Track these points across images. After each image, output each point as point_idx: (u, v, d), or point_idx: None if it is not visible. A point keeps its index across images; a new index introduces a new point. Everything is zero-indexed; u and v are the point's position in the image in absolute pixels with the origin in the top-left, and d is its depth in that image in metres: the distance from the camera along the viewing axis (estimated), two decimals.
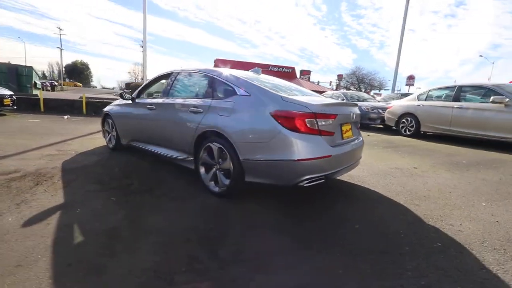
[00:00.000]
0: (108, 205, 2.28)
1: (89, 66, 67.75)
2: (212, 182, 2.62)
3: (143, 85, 3.81)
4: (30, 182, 2.68)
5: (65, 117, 7.91)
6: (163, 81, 3.79)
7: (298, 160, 2.10)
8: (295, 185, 2.17)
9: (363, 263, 1.62)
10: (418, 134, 7.03)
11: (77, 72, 62.05)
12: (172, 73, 3.35)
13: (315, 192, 2.71)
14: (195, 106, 2.73)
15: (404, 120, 7.33)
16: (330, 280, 1.47)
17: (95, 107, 9.35)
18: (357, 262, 1.63)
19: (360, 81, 40.41)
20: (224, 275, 1.47)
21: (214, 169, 2.60)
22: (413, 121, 7.03)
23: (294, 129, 2.11)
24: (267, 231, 1.98)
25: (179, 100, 3.01)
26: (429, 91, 6.98)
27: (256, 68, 3.16)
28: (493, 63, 41.68)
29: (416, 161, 4.25)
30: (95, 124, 7.21)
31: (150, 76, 12.85)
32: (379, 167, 3.82)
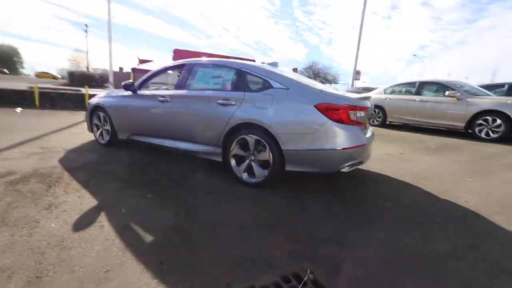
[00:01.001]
0: (149, 202, 2.16)
1: (18, 51, 56.27)
2: (246, 173, 2.66)
3: (146, 77, 3.54)
4: (39, 184, 2.35)
5: (18, 109, 6.77)
6: (170, 72, 3.60)
7: (343, 148, 2.29)
8: (337, 171, 2.36)
9: (411, 234, 1.89)
10: (384, 124, 7.88)
11: (3, 58, 51.23)
12: (185, 64, 3.21)
13: (339, 178, 2.95)
14: (225, 99, 2.69)
15: (372, 112, 8.13)
16: (395, 251, 1.69)
17: (50, 99, 8.16)
18: (405, 233, 1.89)
19: (316, 74, 42.61)
20: (321, 254, 1.58)
21: (248, 161, 2.64)
22: (381, 113, 7.85)
23: (339, 121, 2.28)
24: (321, 214, 2.12)
25: (202, 93, 2.92)
26: (394, 86, 7.86)
27: (273, 61, 3.22)
28: (423, 61, 47.91)
29: (398, 148, 4.84)
30: (59, 117, 6.38)
31: (97, 65, 11.72)
32: (373, 153, 4.26)
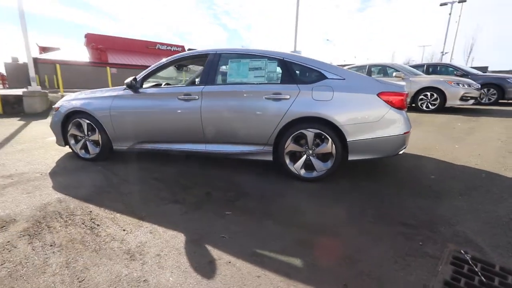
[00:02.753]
0: (239, 221, 1.85)
1: None
2: (303, 170, 2.55)
3: (147, 72, 2.88)
4: (73, 228, 1.72)
5: None
6: (175, 64, 3.03)
7: (404, 133, 2.43)
8: (396, 154, 2.51)
9: (483, 200, 2.20)
10: None
11: None
12: (208, 55, 2.75)
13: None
14: (276, 93, 2.46)
15: None
16: (495, 216, 1.95)
17: None
18: (478, 201, 2.20)
19: None
20: (451, 233, 1.67)
21: (305, 156, 2.53)
22: None
23: (399, 107, 2.39)
24: (405, 196, 2.23)
25: (244, 87, 2.58)
26: (348, 69, 8.65)
27: (296, 50, 3.07)
28: (334, 45, 53.89)
29: None
30: None
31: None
32: None
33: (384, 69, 7.92)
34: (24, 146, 3.77)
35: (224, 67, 2.76)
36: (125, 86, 2.90)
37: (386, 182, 2.57)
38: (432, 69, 9.04)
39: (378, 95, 2.36)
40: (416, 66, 9.39)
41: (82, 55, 21.79)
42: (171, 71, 3.67)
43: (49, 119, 6.47)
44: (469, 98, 6.54)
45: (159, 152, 2.93)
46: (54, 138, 3.30)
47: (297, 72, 2.55)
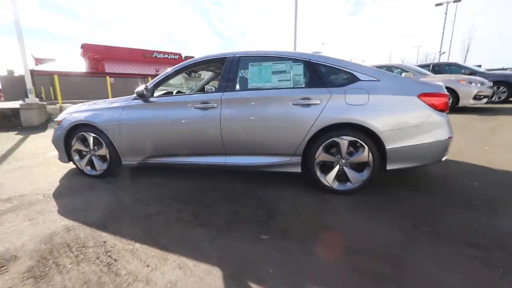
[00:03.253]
0: (276, 247, 1.59)
1: None
2: (336, 181, 2.31)
3: (158, 79, 2.64)
4: (86, 265, 1.45)
5: None
6: (188, 71, 2.79)
7: (448, 138, 2.19)
8: (439, 161, 2.27)
9: None
10: None
11: None
12: (225, 58, 2.52)
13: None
14: (305, 98, 2.22)
15: None
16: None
17: None
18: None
19: None
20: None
21: (338, 166, 2.28)
22: None
23: (441, 109, 2.16)
24: (450, 206, 1.99)
25: (268, 93, 2.34)
26: None
27: (317, 51, 2.86)
28: (333, 44, 54.25)
29: None
30: None
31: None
32: None
33: (390, 70, 7.75)
34: (23, 163, 3.49)
35: (244, 71, 2.52)
36: (134, 96, 2.65)
37: (426, 191, 2.34)
38: (438, 68, 8.90)
39: (418, 96, 2.14)
40: (422, 66, 9.25)
41: (78, 65, 21.57)
42: (177, 77, 3.45)
43: (48, 132, 6.20)
44: (482, 97, 6.36)
45: (172, 167, 2.67)
46: (55, 152, 3.03)
47: (326, 74, 2.32)
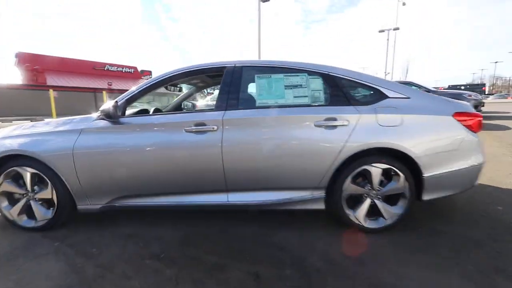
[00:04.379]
0: None
1: None
2: (367, 218, 1.91)
3: (132, 94, 1.98)
4: None
5: None
6: (171, 83, 2.19)
7: (484, 161, 1.97)
8: (472, 187, 2.03)
9: None
10: None
11: None
12: (223, 68, 1.99)
13: None
14: (331, 118, 1.81)
15: None
16: None
17: None
18: None
19: None
20: None
21: (369, 200, 1.89)
22: None
23: (476, 130, 1.94)
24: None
25: (283, 112, 1.87)
26: None
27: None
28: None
29: None
30: None
31: None
32: None
33: (412, 86, 8.16)
34: None
35: (248, 85, 2.03)
36: (97, 115, 1.95)
37: (459, 221, 2.07)
38: None
39: (453, 116, 1.89)
40: None
41: (11, 77, 18.62)
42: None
43: None
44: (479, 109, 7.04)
45: (152, 210, 2.00)
46: None
47: (349, 90, 1.95)
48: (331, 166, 1.83)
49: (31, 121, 9.39)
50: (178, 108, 3.20)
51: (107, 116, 1.86)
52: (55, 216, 1.97)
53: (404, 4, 26.49)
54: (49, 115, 8.90)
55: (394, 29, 26.14)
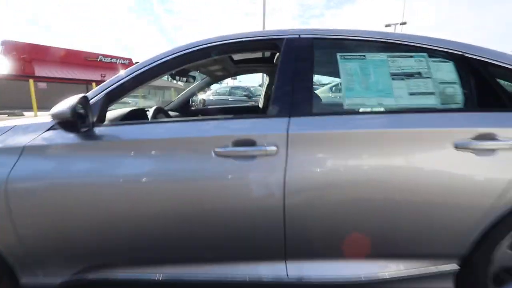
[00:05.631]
0: None
1: None
2: None
3: (112, 86, 1.10)
4: None
5: None
6: (186, 66, 1.32)
7: None
8: None
9: None
10: None
11: None
12: (279, 41, 1.13)
13: None
14: (485, 135, 0.98)
15: None
16: None
17: None
18: None
19: None
20: None
21: None
22: None
23: None
24: None
25: (398, 120, 1.03)
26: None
27: None
28: None
29: None
30: None
31: None
32: None
33: None
34: None
35: (322, 71, 1.19)
36: (50, 122, 1.09)
37: None
38: None
39: None
40: None
41: None
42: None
43: None
44: None
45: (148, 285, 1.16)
46: None
47: (503, 84, 1.12)
48: (481, 220, 1.01)
49: (8, 116, 8.38)
50: (186, 108, 2.34)
51: (65, 125, 1.00)
52: None
53: None
54: (31, 108, 7.92)
55: (401, 24, 25.32)
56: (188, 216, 1.06)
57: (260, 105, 2.64)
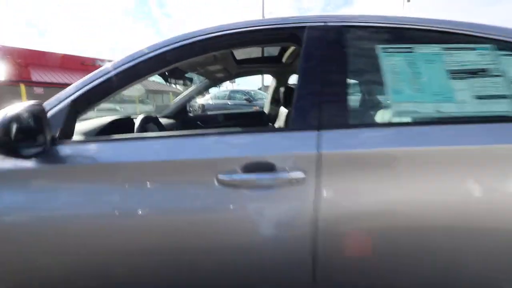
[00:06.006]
0: None
1: None
2: None
3: (83, 89, 0.81)
4: None
5: None
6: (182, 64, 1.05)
7: None
8: None
9: None
10: None
11: None
12: (304, 29, 0.86)
13: None
14: None
15: None
16: None
17: None
18: None
19: None
20: None
21: None
22: None
23: None
24: None
25: (461, 137, 0.76)
26: None
27: None
28: None
29: None
30: None
31: None
32: None
33: None
34: None
35: (360, 68, 0.91)
36: None
37: None
38: None
39: None
40: None
41: None
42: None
43: None
44: None
45: None
46: None
47: None
48: None
49: None
50: (184, 114, 2.07)
51: (2, 146, 0.71)
52: None
53: (409, 0, 25.47)
54: None
55: None
56: (184, 263, 0.78)
57: (266, 111, 2.38)
